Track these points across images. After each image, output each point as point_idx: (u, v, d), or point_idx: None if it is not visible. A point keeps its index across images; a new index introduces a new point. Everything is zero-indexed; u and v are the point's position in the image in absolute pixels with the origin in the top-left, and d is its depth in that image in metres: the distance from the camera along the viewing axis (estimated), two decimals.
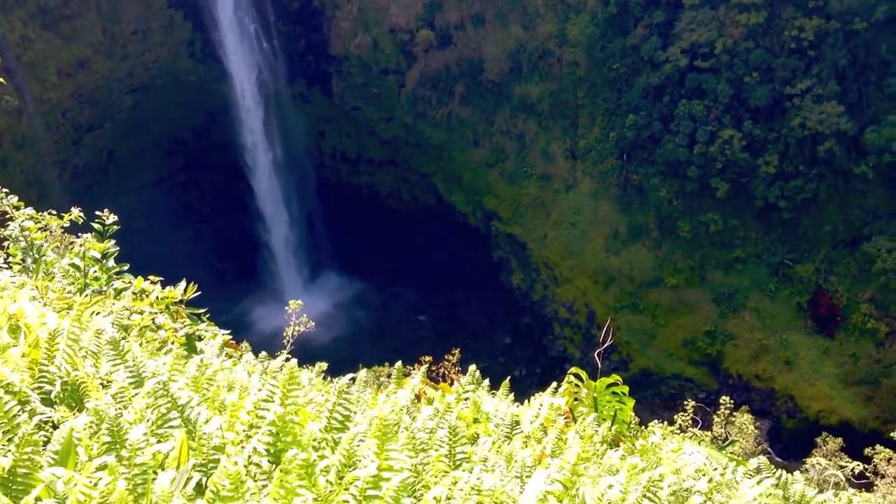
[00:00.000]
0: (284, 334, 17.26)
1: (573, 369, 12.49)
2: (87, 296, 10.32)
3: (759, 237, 79.82)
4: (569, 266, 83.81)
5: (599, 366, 13.84)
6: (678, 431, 20.49)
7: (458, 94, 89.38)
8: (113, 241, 12.18)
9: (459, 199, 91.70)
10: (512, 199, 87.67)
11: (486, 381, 11.92)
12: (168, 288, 10.86)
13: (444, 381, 23.68)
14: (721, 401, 31.61)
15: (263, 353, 11.66)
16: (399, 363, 12.08)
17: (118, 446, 5.32)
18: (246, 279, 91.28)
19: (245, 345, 12.66)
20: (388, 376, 29.18)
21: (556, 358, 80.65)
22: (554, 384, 12.35)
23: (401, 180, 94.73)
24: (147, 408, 6.03)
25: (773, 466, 10.09)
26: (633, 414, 13.33)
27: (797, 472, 11.38)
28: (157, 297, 10.57)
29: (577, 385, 12.31)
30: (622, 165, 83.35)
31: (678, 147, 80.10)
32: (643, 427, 14.12)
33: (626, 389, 12.35)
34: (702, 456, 10.27)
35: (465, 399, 10.79)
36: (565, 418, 11.13)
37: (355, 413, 7.27)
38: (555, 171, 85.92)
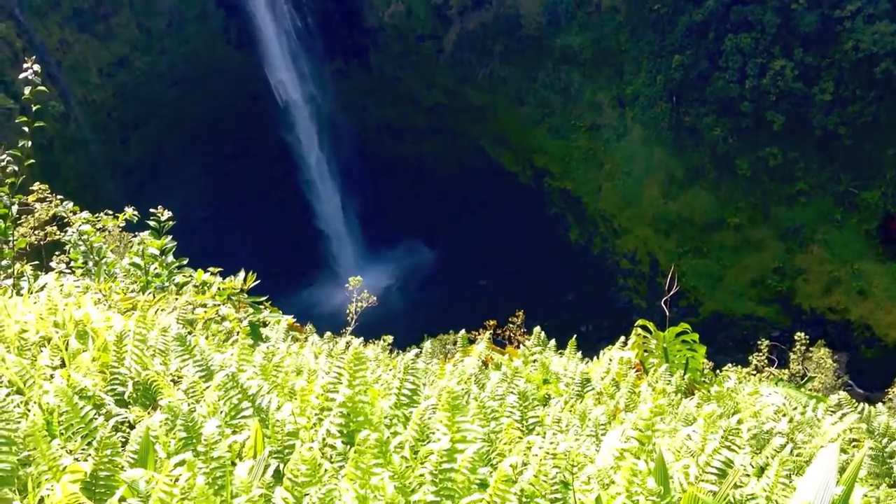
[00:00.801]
0: (347, 311, 17.43)
1: (640, 321, 12.43)
2: (149, 294, 10.51)
3: (821, 167, 78.23)
4: (626, 216, 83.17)
5: (667, 314, 13.75)
6: (754, 373, 20.29)
7: (497, 54, 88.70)
8: (170, 237, 12.38)
9: (508, 159, 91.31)
10: (562, 154, 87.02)
11: (553, 341, 11.93)
12: (228, 278, 11.00)
13: (511, 344, 23.76)
14: (795, 337, 31.15)
15: (328, 334, 11.79)
16: (463, 331, 12.14)
17: (194, 441, 5.43)
18: (304, 263, 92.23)
19: (309, 327, 12.80)
20: (454, 344, 29.32)
21: (621, 310, 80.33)
22: (622, 337, 12.32)
23: (447, 146, 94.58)
24: (219, 400, 6.13)
25: (854, 400, 9.94)
26: (706, 360, 13.25)
27: (880, 404, 11.20)
28: (219, 289, 10.72)
29: (645, 336, 12.26)
30: (672, 108, 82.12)
31: (729, 83, 78.63)
32: (717, 372, 14.02)
33: (696, 337, 12.27)
34: (780, 396, 10.16)
35: (533, 361, 10.81)
36: (636, 371, 11.09)
37: (424, 386, 7.32)
38: (604, 121, 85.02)
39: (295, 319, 11.63)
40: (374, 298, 18.48)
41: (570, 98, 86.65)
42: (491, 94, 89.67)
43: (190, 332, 8.77)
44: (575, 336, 12.06)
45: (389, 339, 16.16)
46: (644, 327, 12.35)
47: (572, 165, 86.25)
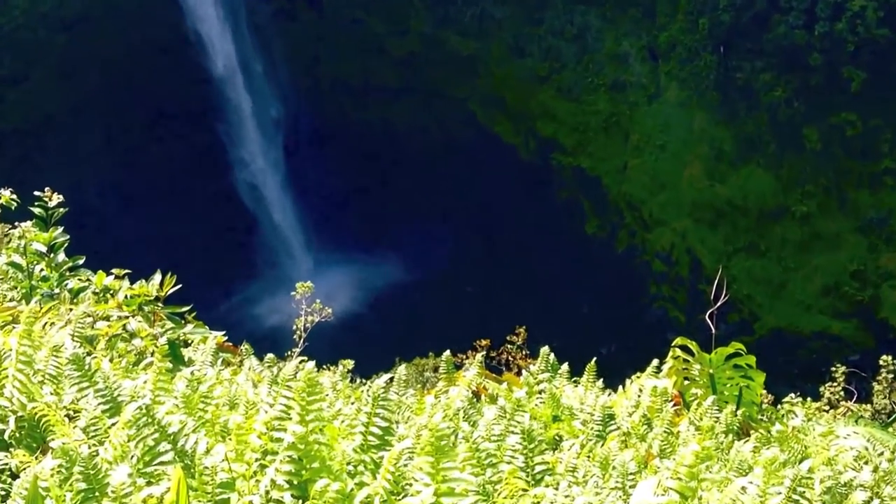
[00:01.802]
0: (295, 327, 17.41)
1: (679, 339, 12.47)
2: (35, 303, 10.48)
3: None
4: (660, 203, 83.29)
5: (714, 331, 13.82)
6: (826, 408, 20.42)
7: None
8: (61, 229, 12.33)
9: (505, 127, 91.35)
10: (575, 120, 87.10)
11: (565, 366, 11.95)
12: (139, 283, 10.98)
13: (509, 370, 23.80)
14: (881, 362, 31.26)
15: (270, 356, 11.76)
16: (447, 353, 12.15)
17: (97, 494, 5.42)
18: (237, 264, 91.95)
19: (245, 347, 12.77)
20: (435, 370, 29.35)
21: (654, 326, 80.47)
22: (655, 361, 12.35)
23: (425, 110, 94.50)
24: (129, 441, 6.12)
25: None
26: (765, 391, 13.32)
27: None
28: (126, 297, 10.70)
29: (686, 360, 12.31)
30: (719, 61, 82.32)
31: (793, 29, 78.87)
32: (778, 407, 14.11)
33: (752, 360, 12.33)
34: (861, 438, 10.24)
35: (540, 392, 10.84)
36: (674, 405, 11.14)
37: (398, 424, 7.33)
38: (630, 78, 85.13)
39: (226, 337, 11.62)
40: (329, 311, 18.48)
41: (586, 48, 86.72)
42: (482, 41, 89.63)
43: (90, 353, 8.73)
44: (594, 359, 12.09)
45: (350, 364, 16.19)
46: (684, 348, 12.40)
47: (589, 136, 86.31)
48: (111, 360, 8.62)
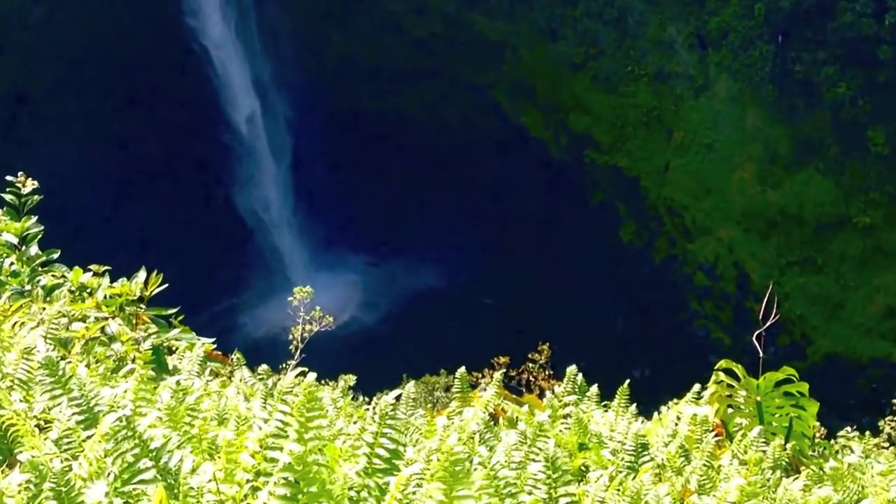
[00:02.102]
0: (291, 337, 17.44)
1: (723, 362, 12.46)
2: (4, 300, 10.53)
3: None
4: (705, 209, 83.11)
5: (761, 355, 13.79)
6: (886, 444, 20.37)
7: None
8: (34, 219, 12.38)
9: (533, 119, 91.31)
10: (612, 114, 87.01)
11: (594, 388, 11.96)
12: (121, 281, 11.00)
13: (530, 391, 23.80)
14: None
15: (264, 367, 11.80)
16: (462, 369, 12.14)
17: None
18: (230, 262, 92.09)
19: (237, 356, 12.81)
20: (447, 389, 29.35)
21: (694, 346, 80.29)
22: (696, 386, 12.34)
23: (445, 99, 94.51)
24: (106, 456, 6.14)
25: None
26: (818, 423, 13.28)
27: None
28: (106, 297, 10.72)
29: (730, 386, 12.30)
30: (777, 52, 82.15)
31: (860, 17, 78.64)
32: (833, 442, 14.07)
33: (804, 388, 12.31)
34: None
35: (565, 417, 10.85)
36: (716, 435, 11.13)
37: (406, 446, 7.34)
38: (675, 69, 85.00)
39: (215, 345, 11.65)
40: (331, 319, 18.52)
41: (627, 32, 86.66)
42: (510, 23, 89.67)
43: (64, 357, 8.75)
44: (627, 382, 12.10)
45: (351, 379, 16.26)
46: (729, 371, 12.39)
47: (627, 132, 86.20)
48: (88, 366, 8.62)
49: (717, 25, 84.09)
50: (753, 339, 14.22)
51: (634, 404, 11.62)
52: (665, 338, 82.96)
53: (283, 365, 17.33)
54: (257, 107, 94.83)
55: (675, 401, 12.55)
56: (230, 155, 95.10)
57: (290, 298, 17.91)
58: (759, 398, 12.18)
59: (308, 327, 17.92)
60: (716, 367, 12.44)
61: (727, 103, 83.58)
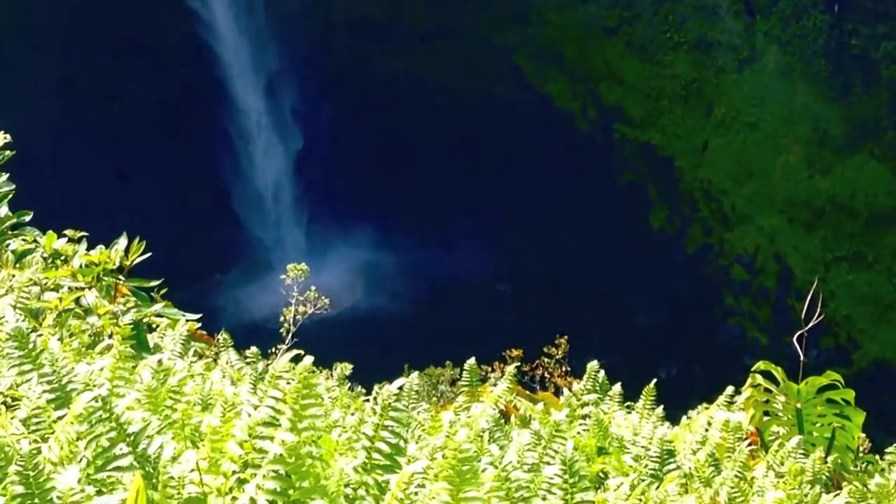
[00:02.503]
0: (282, 318, 17.50)
1: (760, 364, 12.49)
2: None
3: None
4: (745, 195, 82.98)
5: (802, 358, 13.81)
6: None
7: None
8: (5, 177, 12.40)
9: (559, 88, 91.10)
10: (647, 85, 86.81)
11: (617, 387, 12.00)
12: (99, 248, 11.02)
13: (544, 388, 23.86)
14: None
15: (253, 350, 11.84)
16: (472, 361, 12.16)
17: (38, 501, 5.47)
18: (218, 234, 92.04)
19: (223, 336, 12.84)
20: (453, 383, 29.37)
21: (727, 347, 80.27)
22: (729, 389, 12.37)
23: (462, 61, 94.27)
24: (79, 439, 6.17)
25: None
26: (863, 435, 13.29)
27: None
28: (83, 265, 10.74)
29: (767, 390, 12.32)
30: (832, 22, 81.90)
31: None
32: (879, 457, 14.07)
33: (850, 395, 12.33)
34: None
35: (583, 417, 10.88)
36: (749, 445, 11.16)
37: (408, 442, 7.36)
38: (719, 37, 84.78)
39: (200, 324, 11.68)
40: (327, 302, 18.58)
41: None
42: None
43: (35, 329, 8.79)
44: (654, 382, 12.12)
45: (348, 367, 16.29)
46: (766, 374, 12.41)
47: (662, 106, 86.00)
48: (61, 340, 8.66)
49: None
50: (794, 340, 14.24)
51: (661, 406, 11.65)
52: (696, 335, 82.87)
53: (274, 349, 17.38)
54: (256, 72, 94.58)
55: (706, 405, 12.58)
56: (225, 114, 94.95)
57: (283, 276, 17.95)
58: (799, 405, 12.21)
59: (302, 309, 17.96)
60: (752, 369, 12.46)
61: (775, 78, 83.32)
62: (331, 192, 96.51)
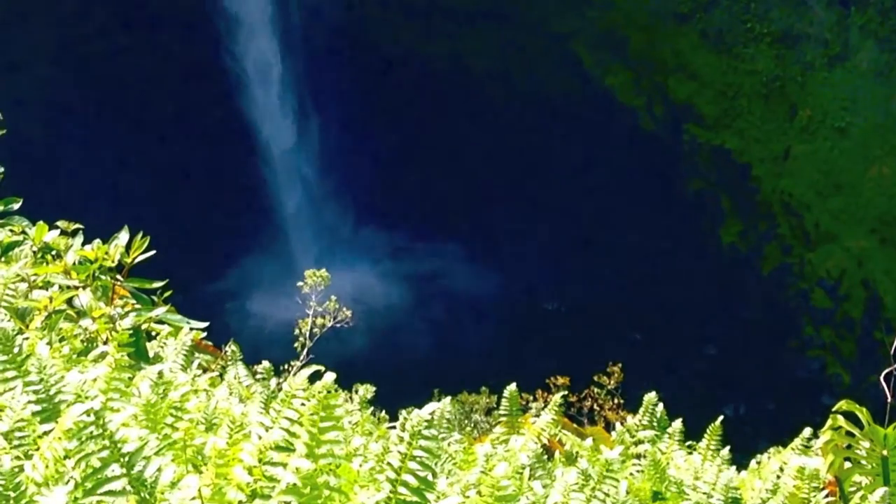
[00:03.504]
0: (297, 329, 17.56)
1: (842, 404, 12.44)
2: None
3: None
4: (832, 210, 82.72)
5: (890, 399, 13.77)
6: None
7: None
8: None
9: (622, 81, 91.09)
10: (723, 81, 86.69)
11: (677, 423, 11.99)
12: (95, 243, 11.08)
13: (593, 423, 23.87)
14: None
15: (266, 365, 11.90)
16: (512, 387, 12.18)
17: None
18: (229, 232, 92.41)
19: (231, 348, 12.90)
20: (488, 412, 29.37)
21: (804, 383, 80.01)
22: (805, 431, 12.35)
23: (512, 47, 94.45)
24: (67, 457, 6.20)
25: None
26: None
27: None
28: (77, 261, 10.80)
29: (849, 434, 12.27)
30: None
31: None
32: None
33: None
34: None
35: (638, 456, 10.89)
36: (828, 495, 11.13)
37: (437, 476, 7.37)
38: (807, 29, 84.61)
39: (205, 333, 11.71)
40: (349, 314, 18.64)
41: None
42: None
43: (20, 331, 8.83)
44: (719, 419, 12.13)
45: (370, 389, 16.35)
46: (849, 416, 12.36)
47: (740, 105, 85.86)
48: (50, 344, 8.70)
49: None
50: (881, 379, 14.18)
51: (727, 448, 11.64)
52: (768, 369, 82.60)
53: (285, 365, 17.45)
54: (276, 49, 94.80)
55: (778, 448, 12.55)
56: (246, 105, 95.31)
57: (300, 284, 18.00)
58: (885, 452, 12.15)
59: (320, 321, 18.04)
60: (833, 410, 12.41)
61: (869, 78, 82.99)
62: (359, 180, 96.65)
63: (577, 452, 10.92)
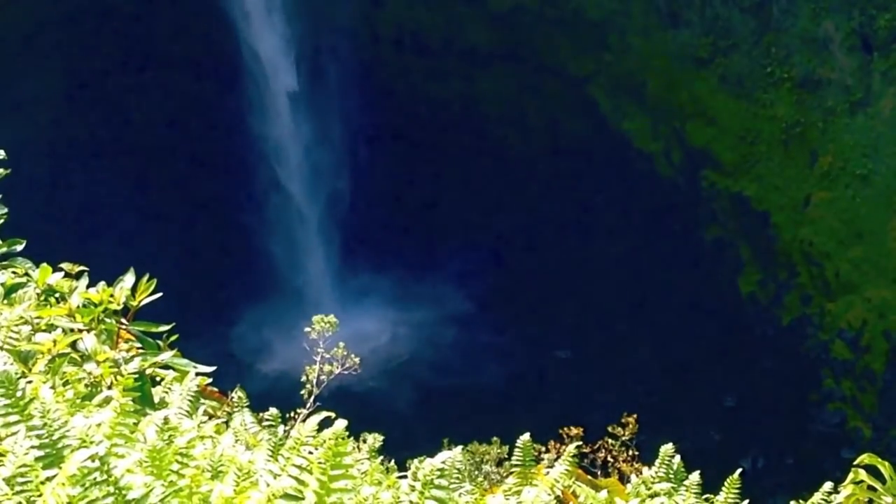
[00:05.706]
0: (304, 376, 17.55)
1: (864, 457, 12.42)
2: None
3: None
4: (853, 260, 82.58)
5: None
6: None
7: None
8: None
9: (639, 126, 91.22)
10: (742, 126, 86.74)
11: (695, 476, 11.97)
12: (100, 286, 11.09)
13: (608, 473, 23.82)
14: None
15: (273, 412, 11.87)
16: (526, 437, 12.17)
17: None
18: (236, 276, 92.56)
19: (238, 394, 12.88)
20: (500, 463, 29.32)
21: (824, 436, 79.75)
22: (826, 485, 12.32)
23: (528, 90, 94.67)
24: None
25: None
26: None
27: None
28: (82, 304, 10.80)
29: (871, 488, 12.25)
30: None
31: None
32: None
33: None
34: None
35: None
36: None
37: None
38: (829, 74, 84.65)
39: (211, 378, 11.70)
40: (357, 360, 18.61)
41: (770, 24, 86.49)
42: (621, 0, 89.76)
43: (23, 375, 8.83)
44: (738, 472, 12.11)
45: (379, 438, 16.35)
46: (871, 470, 12.34)
47: (759, 151, 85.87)
48: (53, 388, 8.70)
49: (888, 24, 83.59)
50: None
51: (746, 502, 11.61)
52: (787, 422, 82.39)
53: (293, 412, 17.42)
54: (293, 84, 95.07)
55: (798, 502, 12.51)
56: (263, 144, 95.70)
57: (308, 329, 17.99)
58: None
59: (328, 368, 18.02)
60: (854, 463, 12.39)
61: (892, 125, 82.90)
62: (369, 225, 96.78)
63: None
